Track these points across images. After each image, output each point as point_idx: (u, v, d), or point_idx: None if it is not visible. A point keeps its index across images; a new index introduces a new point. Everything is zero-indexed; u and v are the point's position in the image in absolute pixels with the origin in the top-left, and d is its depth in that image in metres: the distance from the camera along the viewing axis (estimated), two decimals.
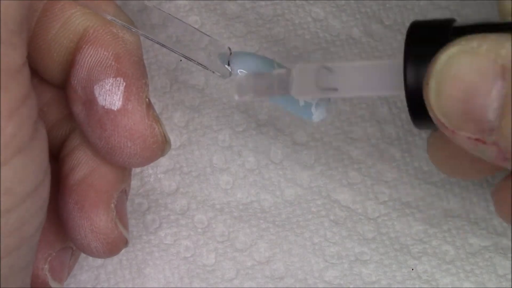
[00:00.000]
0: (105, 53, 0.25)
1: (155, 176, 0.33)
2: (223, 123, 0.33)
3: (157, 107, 0.33)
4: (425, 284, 0.32)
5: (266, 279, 0.32)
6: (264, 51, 0.34)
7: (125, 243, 0.28)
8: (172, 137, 0.33)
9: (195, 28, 0.27)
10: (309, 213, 0.33)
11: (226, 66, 0.27)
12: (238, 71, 0.27)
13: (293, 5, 0.34)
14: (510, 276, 0.32)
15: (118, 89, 0.25)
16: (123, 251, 0.32)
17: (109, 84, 0.25)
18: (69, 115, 0.27)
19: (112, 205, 0.27)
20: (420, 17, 0.34)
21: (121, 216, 0.27)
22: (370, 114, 0.33)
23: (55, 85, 0.28)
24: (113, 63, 0.25)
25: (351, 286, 0.32)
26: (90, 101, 0.25)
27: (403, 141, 0.33)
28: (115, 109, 0.25)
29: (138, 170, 0.33)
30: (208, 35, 0.27)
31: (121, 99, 0.25)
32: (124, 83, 0.25)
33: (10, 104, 0.21)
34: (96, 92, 0.25)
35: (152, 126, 0.26)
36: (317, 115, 0.27)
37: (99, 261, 0.32)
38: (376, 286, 0.32)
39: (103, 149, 0.26)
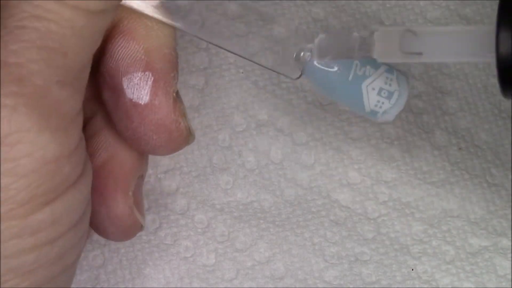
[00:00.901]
0: (136, 46, 0.25)
1: (155, 176, 0.33)
2: (223, 123, 0.33)
3: None
4: (425, 284, 0.32)
5: (266, 279, 0.32)
6: (265, 51, 0.33)
7: (140, 228, 0.28)
8: None
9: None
10: (309, 213, 0.33)
11: (298, 65, 0.27)
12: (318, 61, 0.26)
13: (293, 5, 0.34)
14: (510, 276, 0.32)
15: (146, 83, 0.25)
16: (122, 251, 0.32)
17: (138, 78, 0.25)
18: (93, 98, 0.28)
19: (130, 193, 0.27)
20: (420, 17, 0.34)
21: (137, 202, 0.27)
22: None
23: None
24: (142, 57, 0.25)
25: (351, 286, 0.32)
26: (119, 91, 0.26)
27: (403, 141, 0.33)
28: (142, 104, 0.25)
29: None
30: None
31: (148, 93, 0.25)
32: (153, 78, 0.25)
33: (70, 147, 0.22)
34: (125, 84, 0.25)
35: (178, 121, 0.26)
36: (381, 119, 0.27)
37: (99, 261, 0.32)
38: (376, 286, 0.32)
39: (129, 137, 0.26)
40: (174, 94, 0.26)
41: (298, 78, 0.27)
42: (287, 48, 0.27)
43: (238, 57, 0.33)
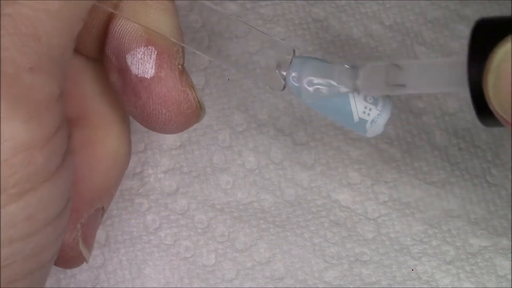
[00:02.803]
0: (135, 24, 0.25)
1: (155, 176, 0.33)
2: (223, 123, 0.33)
3: None
4: (425, 284, 0.32)
5: (266, 279, 0.32)
6: (265, 51, 0.34)
7: (83, 261, 0.27)
8: (172, 137, 0.33)
9: (256, 28, 0.27)
10: (309, 214, 0.33)
11: (282, 78, 0.26)
12: (292, 76, 0.26)
13: (293, 5, 0.34)
14: (510, 277, 0.32)
15: (150, 57, 0.25)
16: (123, 250, 0.32)
17: (141, 53, 0.25)
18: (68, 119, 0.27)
19: (78, 225, 0.26)
20: (421, 18, 0.34)
21: (86, 236, 0.27)
22: None
23: (93, 59, 0.28)
24: (143, 33, 0.25)
25: (351, 287, 0.32)
26: (124, 70, 0.25)
27: (403, 141, 0.33)
28: (148, 77, 0.25)
29: (138, 170, 0.33)
30: (269, 35, 0.27)
31: (153, 67, 0.25)
32: (156, 51, 0.25)
33: (43, 135, 0.21)
34: (129, 61, 0.25)
35: (186, 92, 0.26)
36: (371, 131, 0.26)
37: (99, 261, 0.32)
38: (376, 286, 0.32)
39: (139, 116, 0.26)
40: (180, 67, 0.26)
41: (283, 90, 0.26)
42: (268, 60, 0.27)
43: (238, 57, 0.33)
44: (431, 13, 0.34)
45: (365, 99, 0.26)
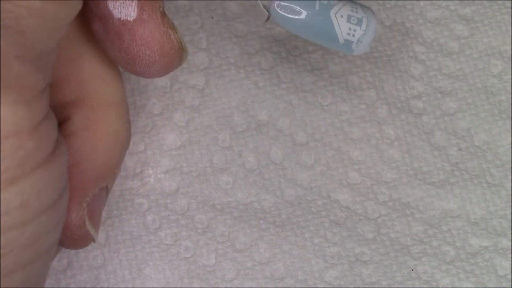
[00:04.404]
0: None
1: (155, 176, 0.33)
2: (223, 123, 0.33)
3: (157, 107, 0.33)
4: (425, 284, 0.32)
5: (266, 279, 0.32)
6: (265, 51, 0.34)
7: (91, 240, 0.28)
8: (172, 137, 0.33)
9: None
10: (309, 214, 0.33)
11: (266, 9, 0.27)
12: (276, 3, 0.27)
13: None
14: (510, 277, 0.32)
15: (132, 0, 0.26)
16: (123, 250, 0.32)
17: None
18: (68, 103, 0.28)
19: (84, 204, 0.27)
20: (420, 18, 0.34)
21: (92, 214, 0.27)
22: (370, 114, 0.33)
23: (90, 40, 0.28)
24: None
25: (351, 287, 0.32)
26: (106, 16, 0.26)
27: (403, 141, 0.33)
28: (131, 20, 0.26)
29: (138, 170, 0.33)
30: None
31: (135, 9, 0.26)
32: None
33: (33, 121, 0.21)
34: (111, 6, 0.26)
35: (168, 32, 0.26)
36: (358, 50, 0.27)
37: (99, 261, 0.32)
38: (376, 286, 0.32)
39: (123, 60, 0.26)
40: (161, 10, 0.26)
41: (267, 20, 0.27)
42: None
43: (238, 57, 0.33)
44: (431, 13, 0.34)
45: (348, 20, 0.27)
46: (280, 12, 0.27)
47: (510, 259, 0.32)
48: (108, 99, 0.28)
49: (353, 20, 0.27)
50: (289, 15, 0.27)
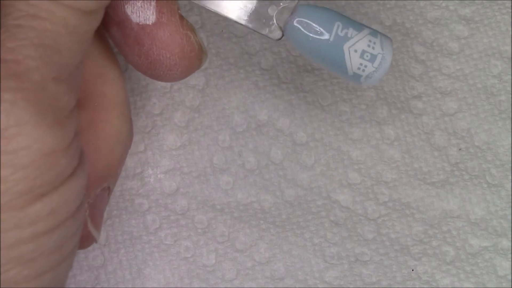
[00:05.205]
0: None
1: (155, 176, 0.33)
2: (223, 124, 0.33)
3: (157, 107, 0.33)
4: (425, 284, 0.32)
5: (266, 279, 0.32)
6: (265, 51, 0.34)
7: (93, 241, 0.28)
8: (172, 137, 0.33)
9: None
10: (309, 214, 0.33)
11: (279, 26, 0.27)
12: (295, 20, 0.27)
13: None
14: (510, 277, 0.32)
15: (150, 4, 0.26)
16: (122, 251, 0.32)
17: (140, 1, 0.26)
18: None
19: (86, 205, 0.27)
20: (420, 18, 0.34)
21: (94, 215, 0.28)
22: (370, 114, 0.33)
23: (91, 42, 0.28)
24: None
25: (351, 287, 0.32)
26: (123, 21, 0.26)
27: (403, 141, 0.33)
28: (150, 23, 0.26)
29: (138, 170, 0.33)
30: None
31: (154, 13, 0.26)
32: None
33: (66, 140, 0.22)
34: (129, 11, 0.26)
35: (188, 35, 0.26)
36: (366, 83, 0.27)
37: (99, 261, 0.32)
38: (376, 286, 0.32)
39: (143, 65, 0.26)
40: (179, 12, 0.26)
41: (280, 39, 0.27)
42: (265, 7, 0.27)
43: (238, 58, 0.33)
44: (431, 14, 0.34)
45: (362, 56, 0.26)
46: (300, 28, 0.26)
47: (510, 259, 0.32)
48: (110, 100, 0.28)
49: (367, 56, 0.26)
50: (309, 33, 0.26)
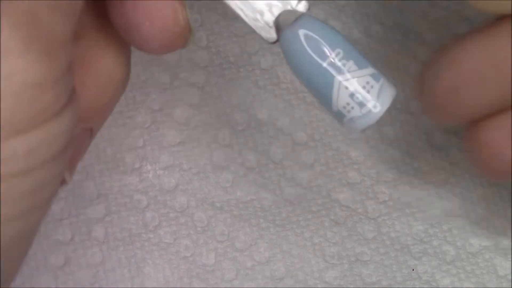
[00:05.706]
0: None
1: (154, 172, 0.33)
2: (223, 122, 0.33)
3: (157, 103, 0.33)
4: (426, 284, 0.32)
5: (266, 279, 0.32)
6: (264, 51, 0.34)
7: (63, 184, 0.25)
8: (171, 133, 0.33)
9: None
10: (309, 213, 0.33)
11: (273, 29, 0.24)
12: (300, 31, 0.23)
13: None
14: (510, 277, 0.32)
15: None
16: (121, 248, 0.32)
17: None
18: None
19: (71, 148, 0.25)
20: (421, 18, 0.34)
21: (70, 157, 0.25)
22: None
23: None
24: None
25: (351, 287, 0.32)
26: None
27: (403, 142, 0.33)
28: None
29: (137, 165, 0.33)
30: None
31: None
32: None
33: (56, 72, 0.20)
34: None
35: (175, 6, 0.24)
36: (347, 127, 0.23)
37: (98, 258, 0.32)
38: (376, 286, 0.32)
39: (122, 27, 0.24)
40: None
41: (273, 43, 0.24)
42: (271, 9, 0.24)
43: (238, 57, 0.33)
44: (432, 14, 0.34)
45: (351, 95, 0.23)
46: (301, 39, 0.23)
47: (511, 259, 0.32)
48: (107, 36, 0.26)
49: (357, 98, 0.23)
50: (307, 48, 0.23)
